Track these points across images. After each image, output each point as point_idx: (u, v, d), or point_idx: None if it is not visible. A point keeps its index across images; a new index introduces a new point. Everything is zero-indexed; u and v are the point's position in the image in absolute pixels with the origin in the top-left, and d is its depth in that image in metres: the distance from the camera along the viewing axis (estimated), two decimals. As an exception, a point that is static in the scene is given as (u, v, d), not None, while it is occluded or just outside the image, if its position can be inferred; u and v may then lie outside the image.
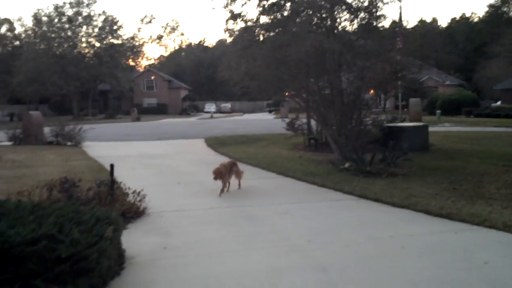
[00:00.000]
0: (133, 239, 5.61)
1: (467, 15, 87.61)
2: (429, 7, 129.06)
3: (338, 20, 13.26)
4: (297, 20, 13.01)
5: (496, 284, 4.44)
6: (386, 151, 11.38)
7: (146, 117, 51.69)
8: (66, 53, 54.03)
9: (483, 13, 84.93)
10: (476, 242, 5.72)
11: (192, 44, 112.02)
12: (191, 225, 6.57)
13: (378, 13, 13.02)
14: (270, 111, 68.45)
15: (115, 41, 58.20)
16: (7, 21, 63.16)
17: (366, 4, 12.94)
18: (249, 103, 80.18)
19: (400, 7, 21.28)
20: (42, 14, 54.26)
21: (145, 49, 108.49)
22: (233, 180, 9.02)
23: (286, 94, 16.81)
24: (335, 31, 13.04)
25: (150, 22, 78.46)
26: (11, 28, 63.27)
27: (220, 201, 7.99)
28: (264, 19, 13.97)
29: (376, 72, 13.24)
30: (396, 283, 4.41)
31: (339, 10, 13.18)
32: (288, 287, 4.35)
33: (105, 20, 56.92)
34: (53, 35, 53.68)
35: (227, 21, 14.48)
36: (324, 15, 13.06)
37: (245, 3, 14.16)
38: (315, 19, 13.16)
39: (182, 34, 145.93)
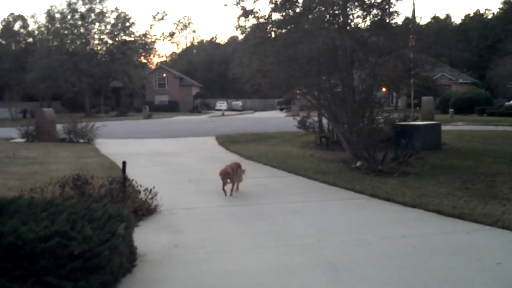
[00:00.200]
0: (144, 236, 5.63)
1: (481, 11, 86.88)
2: (442, 3, 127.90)
3: (350, 16, 13.22)
4: (309, 16, 12.98)
5: (509, 285, 4.40)
6: (398, 150, 11.31)
7: (158, 115, 51.84)
8: (79, 50, 54.42)
9: (497, 10, 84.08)
10: (488, 242, 5.67)
11: (204, 41, 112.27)
12: (202, 223, 6.59)
13: (391, 10, 12.97)
14: (281, 109, 68.29)
15: (127, 38, 58.50)
16: (20, 17, 63.78)
17: (379, 0, 12.87)
18: (260, 101, 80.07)
19: (413, 4, 21.04)
20: (55, 10, 54.81)
21: (157, 46, 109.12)
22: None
23: (298, 91, 16.76)
24: (348, 28, 12.98)
25: (162, 19, 79.08)
26: (25, 25, 63.91)
27: (231, 199, 7.99)
28: (276, 16, 13.98)
29: (389, 69, 13.17)
30: (408, 283, 4.38)
31: (352, 7, 13.13)
32: (298, 286, 4.34)
33: (117, 17, 57.25)
34: (65, 32, 54.12)
35: (239, 18, 14.50)
36: (336, 12, 13.01)
37: (257, -1, 14.14)
38: (328, 15, 13.12)
39: (194, 31, 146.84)
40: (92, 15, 55.46)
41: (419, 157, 11.20)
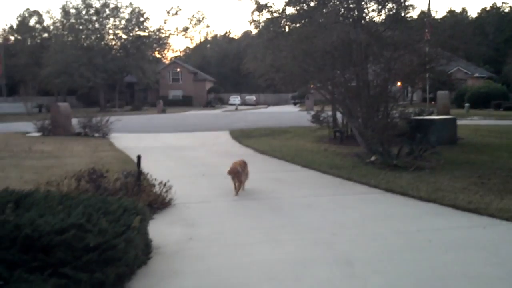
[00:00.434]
0: (159, 229, 5.66)
1: (498, 4, 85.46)
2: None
3: (365, 10, 13.10)
4: (324, 10, 12.90)
5: (526, 281, 4.35)
6: (413, 144, 11.22)
7: (172, 109, 52.05)
8: (94, 45, 54.80)
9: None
10: (504, 237, 5.62)
11: (218, 36, 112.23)
12: (216, 216, 6.61)
13: (406, 3, 12.83)
14: (295, 104, 68.17)
15: (142, 33, 58.69)
16: (36, 13, 64.32)
17: (394, -6, 12.75)
18: (274, 95, 79.97)
19: (429, -3, 20.86)
20: (70, 6, 55.15)
21: (171, 41, 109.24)
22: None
23: (312, 86, 16.69)
24: (362, 22, 12.88)
25: (176, 14, 79.09)
26: (40, 20, 64.46)
27: (244, 193, 7.97)
28: (290, 10, 13.90)
29: (404, 63, 13.03)
30: (423, 277, 4.35)
31: (367, 0, 13.02)
32: (313, 280, 4.33)
33: (132, 12, 57.46)
34: (80, 27, 54.52)
35: (252, 12, 14.46)
36: (351, 6, 12.91)
37: (271, -6, 14.09)
38: (342, 9, 13.03)
39: (208, 26, 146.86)
40: (107, 10, 55.76)
41: (434, 152, 11.11)
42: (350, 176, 9.30)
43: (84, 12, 54.80)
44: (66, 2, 55.70)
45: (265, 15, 14.41)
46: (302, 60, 12.87)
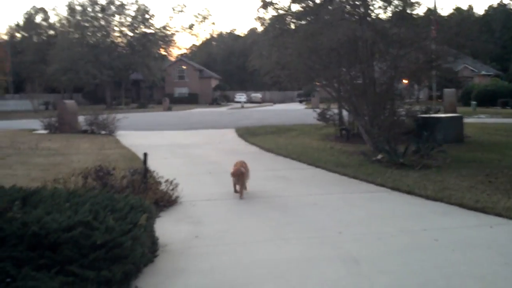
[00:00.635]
0: (166, 227, 5.67)
1: (505, 2, 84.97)
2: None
3: (371, 7, 13.03)
4: (330, 7, 12.86)
5: (534, 280, 4.32)
6: (420, 143, 11.18)
7: (177, 107, 52.13)
8: (99, 42, 54.93)
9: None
10: (512, 236, 5.59)
11: (223, 33, 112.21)
12: (222, 215, 6.62)
13: (412, 1, 12.74)
14: (300, 101, 68.13)
15: (147, 31, 58.73)
16: (42, 10, 64.56)
17: (400, -9, 12.69)
18: (280, 93, 79.92)
19: (435, -5, 20.71)
20: (76, 3, 55.25)
21: (176, 38, 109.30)
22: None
23: (317, 83, 16.65)
24: (368, 19, 12.82)
25: (181, 11, 78.91)
26: (46, 18, 64.76)
27: (250, 191, 7.96)
28: (295, 7, 13.87)
29: (410, 61, 12.98)
30: (429, 276, 4.34)
31: (372, -3, 12.96)
32: (318, 278, 4.32)
33: (137, 10, 57.50)
34: (86, 24, 54.64)
35: (258, 9, 14.43)
36: (357, 3, 12.85)
37: (277, -10, 14.04)
38: (348, 6, 12.97)
39: (213, 24, 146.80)
40: (112, 7, 55.86)
41: (441, 150, 11.07)
42: (356, 175, 9.27)
43: (90, 9, 54.92)
44: (72, -1, 55.89)
45: (271, 12, 14.40)
46: (308, 58, 12.84)
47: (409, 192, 7.74)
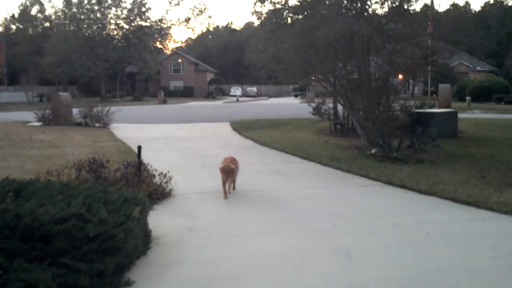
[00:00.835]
0: (159, 220, 5.68)
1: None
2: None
3: (368, 2, 13.02)
4: (326, 2, 12.86)
5: (524, 274, 4.36)
6: (414, 137, 11.23)
7: (173, 100, 52.04)
8: (95, 35, 54.58)
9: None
10: (503, 230, 5.63)
11: (220, 27, 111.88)
12: (216, 208, 6.63)
13: (409, -4, 12.74)
14: (296, 95, 68.08)
15: (143, 23, 58.37)
16: (37, 2, 64.11)
17: (397, -14, 12.67)
18: (275, 87, 79.84)
19: (432, -10, 20.66)
20: (72, -5, 54.79)
21: (172, 31, 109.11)
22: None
23: (313, 78, 16.65)
24: (365, 14, 12.82)
25: (178, 4, 78.61)
26: (42, 10, 64.28)
27: (244, 185, 7.94)
28: (292, 2, 13.89)
29: (406, 56, 12.99)
30: (421, 270, 4.37)
31: (370, -8, 12.94)
32: (311, 271, 4.35)
33: (133, 2, 57.14)
34: (82, 17, 54.22)
35: (255, 3, 14.41)
36: (354, -3, 12.84)
37: (274, -15, 14.01)
38: (345, 1, 12.96)
39: (210, 17, 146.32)
40: (109, 0, 55.49)
41: (434, 145, 11.12)
42: (350, 169, 9.30)
43: (86, 1, 54.47)
44: (68, -9, 55.47)
45: (268, 6, 14.37)
46: (304, 52, 12.83)
47: (402, 186, 7.78)
